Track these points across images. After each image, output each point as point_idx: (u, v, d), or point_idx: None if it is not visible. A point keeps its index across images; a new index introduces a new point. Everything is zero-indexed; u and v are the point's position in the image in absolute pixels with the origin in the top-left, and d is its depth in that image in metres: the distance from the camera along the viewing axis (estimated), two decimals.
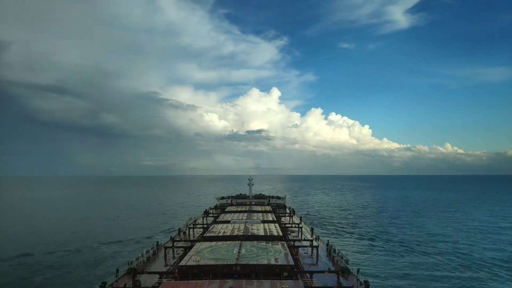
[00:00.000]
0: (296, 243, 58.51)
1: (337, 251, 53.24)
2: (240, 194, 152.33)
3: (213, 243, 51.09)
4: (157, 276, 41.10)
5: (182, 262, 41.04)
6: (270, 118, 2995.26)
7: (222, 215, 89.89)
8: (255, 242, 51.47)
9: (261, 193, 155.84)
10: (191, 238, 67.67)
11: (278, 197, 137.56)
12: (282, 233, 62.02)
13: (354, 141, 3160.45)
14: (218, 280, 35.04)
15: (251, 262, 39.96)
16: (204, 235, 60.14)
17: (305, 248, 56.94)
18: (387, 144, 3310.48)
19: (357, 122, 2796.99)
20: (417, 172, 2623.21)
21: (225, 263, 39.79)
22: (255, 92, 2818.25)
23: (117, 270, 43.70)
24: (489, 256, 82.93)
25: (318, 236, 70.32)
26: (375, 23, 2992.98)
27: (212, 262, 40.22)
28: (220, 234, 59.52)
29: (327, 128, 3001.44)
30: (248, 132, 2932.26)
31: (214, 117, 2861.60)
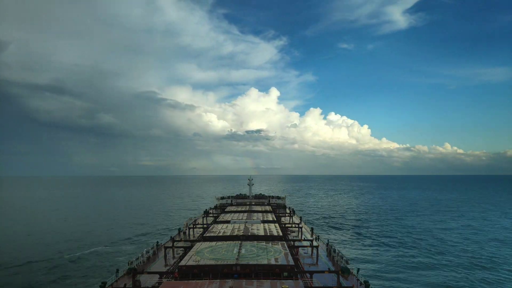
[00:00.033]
0: (296, 243, 58.49)
1: (337, 251, 53.22)
2: (240, 194, 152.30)
3: (213, 243, 51.07)
4: (157, 276, 41.08)
5: (182, 262, 41.02)
6: (269, 118, 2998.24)
7: (222, 215, 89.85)
8: (255, 242, 51.45)
9: (261, 193, 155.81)
10: (191, 238, 67.65)
11: (278, 197, 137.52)
12: (282, 233, 62.00)
13: (353, 141, 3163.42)
14: (218, 280, 35.02)
15: (251, 262, 39.94)
16: (204, 235, 60.11)
17: (305, 248, 56.92)
18: (386, 144, 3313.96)
19: (356, 122, 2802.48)
20: (416, 172, 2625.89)
21: (225, 263, 39.77)
22: (253, 92, 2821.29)
23: (117, 270, 43.69)
24: (489, 256, 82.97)
25: (318, 236, 70.29)
26: (374, 23, 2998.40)
27: (212, 262, 40.20)
28: (220, 234, 59.50)
29: (326, 128, 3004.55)
30: (247, 132, 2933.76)
31: (212, 117, 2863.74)
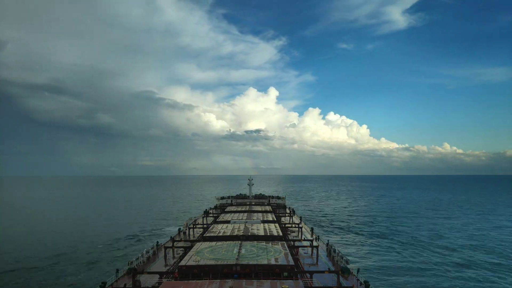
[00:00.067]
0: (296, 243, 58.53)
1: (337, 251, 53.26)
2: (240, 194, 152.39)
3: (213, 243, 51.09)
4: (157, 276, 41.11)
5: (182, 262, 41.04)
6: (267, 118, 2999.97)
7: (222, 215, 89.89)
8: (255, 242, 51.47)
9: (261, 193, 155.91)
10: (191, 238, 67.69)
11: (278, 197, 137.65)
12: (282, 233, 62.04)
13: (352, 141, 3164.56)
14: (218, 280, 35.04)
15: (251, 262, 39.97)
16: (204, 235, 60.15)
17: (305, 248, 56.96)
18: (385, 144, 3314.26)
19: (355, 122, 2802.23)
20: (416, 172, 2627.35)
21: (225, 263, 39.80)
22: (252, 92, 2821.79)
23: (117, 270, 43.72)
24: (490, 256, 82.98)
25: (318, 236, 70.34)
26: (374, 24, 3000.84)
27: (212, 262, 40.22)
28: (220, 234, 59.53)
29: (324, 128, 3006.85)
30: (246, 132, 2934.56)
31: (211, 117, 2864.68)
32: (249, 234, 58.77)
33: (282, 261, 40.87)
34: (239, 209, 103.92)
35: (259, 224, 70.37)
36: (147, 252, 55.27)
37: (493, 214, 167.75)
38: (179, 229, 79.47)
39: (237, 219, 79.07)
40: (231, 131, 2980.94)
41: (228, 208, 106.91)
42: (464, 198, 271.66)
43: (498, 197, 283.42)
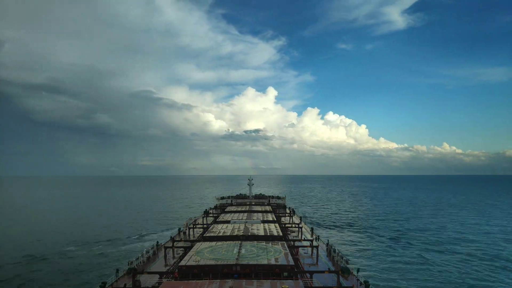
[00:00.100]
0: (296, 243, 58.55)
1: (337, 251, 53.28)
2: (240, 194, 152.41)
3: (213, 243, 51.10)
4: (157, 276, 41.12)
5: (182, 262, 41.05)
6: (266, 118, 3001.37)
7: (222, 215, 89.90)
8: (255, 242, 51.49)
9: (261, 193, 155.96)
10: (191, 238, 67.70)
11: (278, 197, 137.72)
12: (282, 233, 62.06)
13: (351, 141, 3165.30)
14: (218, 280, 35.05)
15: (251, 262, 39.98)
16: (204, 235, 60.16)
17: (305, 248, 56.97)
18: (384, 144, 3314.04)
19: (354, 122, 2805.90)
20: (415, 172, 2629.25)
21: (225, 263, 39.81)
22: (250, 91, 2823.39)
23: (117, 270, 43.73)
24: (490, 256, 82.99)
25: (318, 236, 70.36)
26: (373, 24, 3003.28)
27: (212, 262, 40.23)
28: (220, 234, 59.54)
29: (323, 127, 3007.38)
30: (245, 132, 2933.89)
31: (210, 117, 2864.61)
32: (249, 234, 58.79)
33: (282, 261, 40.88)
34: (239, 209, 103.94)
35: (259, 224, 70.38)
36: (147, 252, 55.29)
37: (494, 214, 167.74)
38: (179, 229, 79.48)
39: (237, 219, 79.08)
40: (230, 131, 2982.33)
41: (228, 208, 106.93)
42: (464, 198, 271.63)
43: (498, 197, 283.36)
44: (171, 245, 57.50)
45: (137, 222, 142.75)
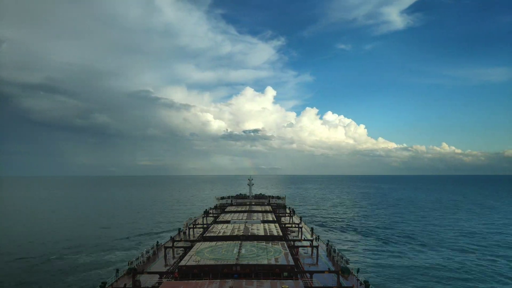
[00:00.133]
0: (296, 243, 58.55)
1: (337, 251, 53.27)
2: (240, 194, 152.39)
3: (213, 243, 51.10)
4: (157, 276, 41.11)
5: (182, 262, 41.05)
6: (265, 118, 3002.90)
7: (222, 215, 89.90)
8: (255, 242, 51.49)
9: (261, 193, 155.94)
10: (191, 238, 67.69)
11: (278, 197, 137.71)
12: (282, 233, 62.06)
13: (350, 141, 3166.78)
14: (218, 280, 35.04)
15: (251, 262, 39.97)
16: (204, 235, 60.17)
17: (305, 248, 56.97)
18: (384, 144, 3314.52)
19: (353, 122, 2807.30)
20: (415, 172, 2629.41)
21: (225, 263, 39.80)
22: (249, 91, 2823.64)
23: (117, 270, 43.72)
24: (490, 256, 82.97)
25: (318, 236, 70.35)
26: (372, 24, 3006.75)
27: (212, 262, 40.23)
28: (220, 234, 59.54)
29: (322, 127, 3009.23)
30: (244, 131, 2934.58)
31: (209, 116, 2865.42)
32: (249, 234, 58.79)
33: (282, 261, 40.88)
34: (239, 209, 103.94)
35: (259, 224, 70.39)
36: (147, 252, 55.28)
37: (495, 215, 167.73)
38: (179, 229, 79.47)
39: (237, 219, 79.09)
40: (229, 131, 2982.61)
41: (228, 208, 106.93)
42: (464, 198, 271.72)
43: (499, 198, 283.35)
44: (171, 245, 57.50)
45: (137, 222, 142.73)
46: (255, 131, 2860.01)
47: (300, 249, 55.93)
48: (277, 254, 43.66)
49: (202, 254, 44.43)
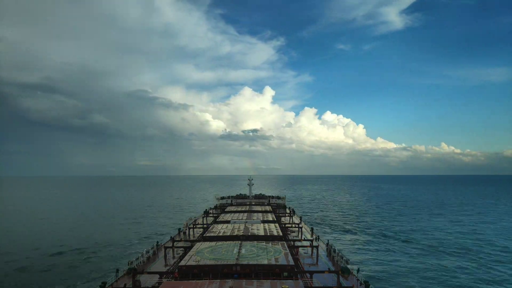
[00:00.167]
0: (296, 243, 58.54)
1: (337, 251, 53.27)
2: (240, 194, 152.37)
3: (213, 243, 51.08)
4: (157, 276, 41.08)
5: (182, 262, 41.03)
6: (264, 118, 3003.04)
7: (222, 215, 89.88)
8: (255, 242, 51.47)
9: (261, 193, 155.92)
10: (191, 238, 67.68)
11: (278, 197, 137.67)
12: (282, 233, 62.03)
13: (349, 141, 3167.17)
14: (218, 280, 35.02)
15: (251, 262, 39.95)
16: (204, 235, 60.14)
17: (305, 248, 56.95)
18: (383, 144, 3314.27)
19: (352, 121, 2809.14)
20: (414, 172, 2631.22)
21: (225, 263, 39.78)
22: (247, 91, 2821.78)
23: (117, 270, 43.71)
24: (491, 258, 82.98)
25: (318, 236, 70.32)
26: (371, 24, 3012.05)
27: (212, 262, 40.21)
28: (220, 234, 59.51)
29: (320, 127, 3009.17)
30: (243, 131, 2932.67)
31: (207, 116, 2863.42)
32: (249, 234, 58.76)
33: (282, 261, 40.86)
34: (239, 209, 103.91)
35: (259, 224, 70.36)
36: (147, 252, 55.27)
37: (495, 215, 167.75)
38: (179, 229, 79.43)
39: (237, 219, 79.06)
40: (227, 131, 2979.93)
41: (228, 208, 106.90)
42: (464, 199, 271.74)
43: (499, 198, 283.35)
44: (171, 245, 57.48)
45: (137, 222, 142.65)
46: (254, 131, 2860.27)
47: (300, 249, 55.91)
48: (277, 254, 43.64)
49: (202, 254, 44.41)
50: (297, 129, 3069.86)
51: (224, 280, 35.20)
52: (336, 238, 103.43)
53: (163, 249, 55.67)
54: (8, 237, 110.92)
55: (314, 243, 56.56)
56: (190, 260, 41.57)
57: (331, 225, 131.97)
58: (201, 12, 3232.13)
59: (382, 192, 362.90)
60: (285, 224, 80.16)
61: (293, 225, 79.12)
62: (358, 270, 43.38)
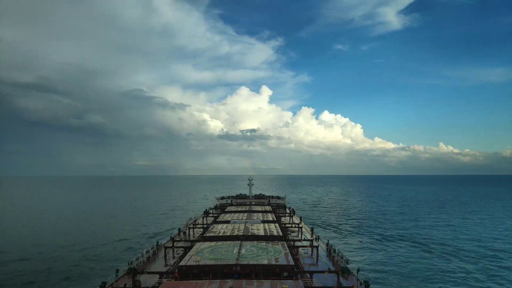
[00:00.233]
0: (296, 243, 58.53)
1: (337, 251, 53.26)
2: (240, 194, 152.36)
3: (213, 243, 51.07)
4: (157, 276, 41.06)
5: (182, 262, 41.01)
6: (261, 118, 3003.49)
7: (222, 215, 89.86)
8: (255, 242, 51.45)
9: (261, 193, 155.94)
10: (191, 238, 67.66)
11: (278, 197, 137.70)
12: (282, 233, 62.03)
13: (347, 141, 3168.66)
14: (218, 280, 35.01)
15: (251, 262, 39.94)
16: (204, 235, 60.11)
17: (305, 248, 56.94)
18: (381, 144, 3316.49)
19: (349, 121, 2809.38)
20: (413, 172, 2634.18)
21: (225, 263, 39.77)
22: (244, 91, 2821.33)
23: (117, 270, 43.68)
24: (491, 257, 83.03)
25: (318, 236, 70.33)
26: (369, 25, 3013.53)
27: (212, 262, 40.19)
28: (220, 234, 59.49)
29: (317, 127, 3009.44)
30: (241, 131, 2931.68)
31: (205, 116, 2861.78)
32: (249, 234, 58.75)
33: (282, 261, 40.85)
34: (239, 209, 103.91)
35: (259, 224, 70.36)
36: (147, 252, 55.23)
37: (495, 215, 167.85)
38: (179, 229, 79.41)
39: (237, 219, 79.05)
40: (225, 131, 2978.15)
41: (228, 208, 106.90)
42: (464, 198, 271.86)
43: (499, 198, 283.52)
44: (171, 245, 57.46)
45: (137, 222, 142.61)
46: (252, 131, 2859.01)
47: (300, 249, 55.90)
48: (277, 254, 43.64)
49: (202, 254, 44.40)
50: (294, 129, 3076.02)
51: (224, 280, 35.19)
52: (336, 238, 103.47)
53: (163, 249, 55.64)
54: (8, 237, 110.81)
55: (314, 243, 56.55)
56: (190, 260, 41.55)
57: (331, 225, 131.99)
58: (199, 12, 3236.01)
59: (382, 192, 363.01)
60: (285, 224, 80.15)
61: (293, 225, 79.12)
62: (358, 270, 43.38)
